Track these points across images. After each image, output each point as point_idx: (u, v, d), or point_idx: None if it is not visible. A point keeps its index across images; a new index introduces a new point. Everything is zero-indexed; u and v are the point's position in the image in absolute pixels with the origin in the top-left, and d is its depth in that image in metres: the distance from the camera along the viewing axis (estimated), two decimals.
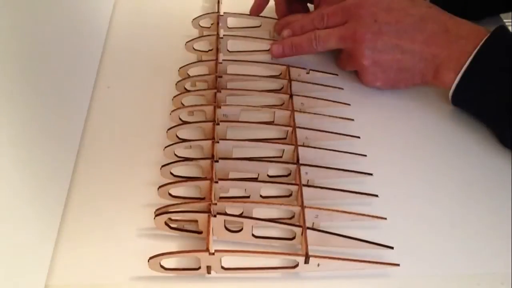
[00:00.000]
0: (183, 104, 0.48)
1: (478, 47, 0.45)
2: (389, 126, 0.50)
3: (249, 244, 0.40)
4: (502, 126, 0.47)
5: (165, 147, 0.44)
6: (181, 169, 0.43)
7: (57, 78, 0.46)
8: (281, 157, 0.45)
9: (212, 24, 0.56)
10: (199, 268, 0.37)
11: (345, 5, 0.51)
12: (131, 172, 0.45)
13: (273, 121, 0.47)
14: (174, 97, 0.48)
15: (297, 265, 0.38)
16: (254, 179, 0.43)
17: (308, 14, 0.55)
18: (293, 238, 0.40)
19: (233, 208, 0.40)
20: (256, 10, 0.57)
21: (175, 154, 0.44)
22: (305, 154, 0.44)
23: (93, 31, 0.56)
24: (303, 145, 0.44)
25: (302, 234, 0.38)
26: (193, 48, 0.53)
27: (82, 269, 0.39)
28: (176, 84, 0.50)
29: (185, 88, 0.50)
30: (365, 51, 0.49)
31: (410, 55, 0.49)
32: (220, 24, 0.54)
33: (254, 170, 0.43)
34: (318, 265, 0.37)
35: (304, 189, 0.41)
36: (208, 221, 0.38)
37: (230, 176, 0.43)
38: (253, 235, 0.40)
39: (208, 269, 0.37)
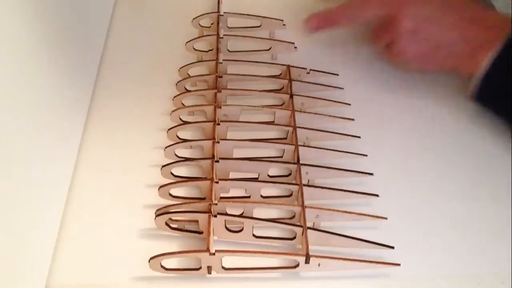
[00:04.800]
0: (183, 104, 0.48)
1: (505, 40, 0.44)
2: (390, 126, 0.50)
3: (249, 244, 0.40)
4: None
5: (166, 147, 0.44)
6: (181, 169, 0.43)
7: (58, 78, 0.46)
8: (281, 157, 0.45)
9: (212, 24, 0.56)
10: (200, 268, 0.37)
11: None
12: (131, 172, 0.45)
13: (273, 121, 0.47)
14: (175, 97, 0.48)
15: (297, 265, 0.38)
16: (255, 179, 0.43)
17: (338, 6, 0.52)
18: (294, 238, 0.40)
19: (233, 208, 0.40)
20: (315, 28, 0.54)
21: (176, 154, 0.44)
22: (305, 154, 0.44)
23: (93, 31, 0.56)
24: (303, 145, 0.44)
25: (302, 234, 0.38)
26: (193, 48, 0.53)
27: (82, 269, 0.39)
28: (176, 84, 0.50)
29: (185, 88, 0.50)
30: (407, 16, 0.48)
31: (452, 32, 0.47)
32: (220, 24, 0.54)
33: (255, 170, 0.43)
34: (319, 265, 0.37)
35: (305, 189, 0.41)
36: (209, 221, 0.38)
37: (231, 176, 0.43)
38: (253, 235, 0.40)
39: (209, 269, 0.37)
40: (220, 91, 0.47)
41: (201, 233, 0.40)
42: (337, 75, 0.52)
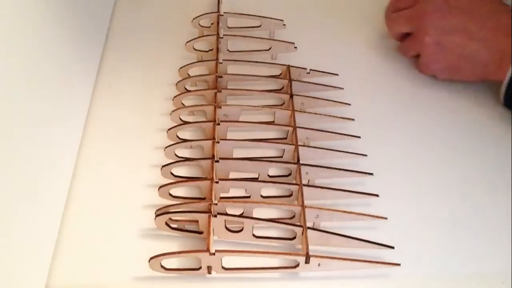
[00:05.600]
0: (183, 104, 0.48)
1: None
2: (390, 126, 0.50)
3: (249, 244, 0.40)
4: None
5: (166, 147, 0.44)
6: (181, 169, 0.43)
7: (58, 78, 0.46)
8: (281, 157, 0.45)
9: (212, 24, 0.56)
10: (200, 268, 0.37)
11: None
12: (131, 172, 0.45)
13: (273, 121, 0.47)
14: (175, 97, 0.48)
15: (297, 265, 0.38)
16: (255, 179, 0.43)
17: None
18: (294, 238, 0.40)
19: (233, 208, 0.40)
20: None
21: (176, 154, 0.44)
22: (305, 154, 0.44)
23: (94, 31, 0.56)
24: (303, 145, 0.44)
25: (302, 234, 0.38)
26: (193, 48, 0.53)
27: (82, 269, 0.39)
28: (176, 84, 0.50)
29: (185, 88, 0.50)
30: (430, 29, 0.49)
31: (477, 42, 0.48)
32: (220, 24, 0.54)
33: (255, 170, 0.43)
34: (319, 265, 0.37)
35: (305, 189, 0.41)
36: (209, 221, 0.38)
37: (231, 176, 0.43)
38: (253, 235, 0.40)
39: (209, 269, 0.37)
40: (220, 91, 0.47)
41: (201, 233, 0.40)
42: (337, 75, 0.52)
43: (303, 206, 0.40)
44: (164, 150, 0.44)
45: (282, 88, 0.51)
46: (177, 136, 0.45)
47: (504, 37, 0.47)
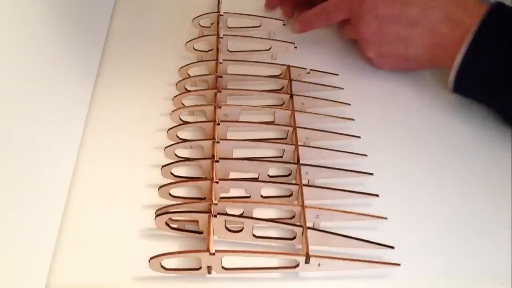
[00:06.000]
0: (183, 104, 0.48)
1: (476, 27, 0.45)
2: (390, 126, 0.50)
3: (249, 244, 0.40)
4: (506, 103, 0.46)
5: (166, 147, 0.44)
6: (181, 169, 0.43)
7: (58, 78, 0.46)
8: (281, 157, 0.45)
9: (212, 24, 0.56)
10: (200, 268, 0.37)
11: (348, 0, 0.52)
12: (131, 172, 0.45)
13: (273, 121, 0.47)
14: (175, 97, 0.48)
15: (297, 265, 0.38)
16: (255, 179, 0.43)
17: (314, 9, 0.55)
18: (294, 238, 0.40)
19: (233, 208, 0.40)
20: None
21: (176, 154, 0.44)
22: (305, 154, 0.44)
23: (93, 31, 0.56)
24: (303, 145, 0.44)
25: (302, 234, 0.38)
26: (193, 48, 0.53)
27: (82, 269, 0.39)
28: (176, 84, 0.50)
29: (185, 88, 0.50)
30: (370, 47, 0.52)
31: (413, 45, 0.49)
32: (220, 24, 0.54)
33: (255, 170, 0.43)
34: (319, 265, 0.37)
35: (305, 189, 0.41)
36: (209, 221, 0.38)
37: (231, 176, 0.43)
38: (253, 235, 0.40)
39: (209, 269, 0.37)
40: (220, 91, 0.47)
41: (201, 233, 0.40)
42: (337, 75, 0.52)
43: (303, 206, 0.40)
44: (164, 150, 0.44)
45: (282, 88, 0.51)
46: (177, 136, 0.45)
47: (438, 35, 0.48)
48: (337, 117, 0.48)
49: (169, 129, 0.45)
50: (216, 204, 0.39)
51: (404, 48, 0.50)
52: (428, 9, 0.48)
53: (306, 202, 0.40)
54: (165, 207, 0.39)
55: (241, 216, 0.39)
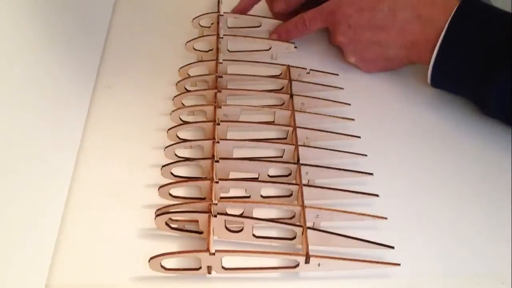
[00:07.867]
0: (183, 104, 0.48)
1: (448, 22, 0.46)
2: (390, 126, 0.50)
3: (249, 244, 0.40)
4: (481, 94, 0.47)
5: (166, 147, 0.44)
6: (181, 169, 0.43)
7: (58, 78, 0.46)
8: (281, 157, 0.45)
9: (212, 24, 0.56)
10: (200, 268, 0.37)
11: (323, 10, 0.53)
12: (131, 172, 0.45)
13: (273, 121, 0.47)
14: (175, 97, 0.48)
15: (297, 265, 0.38)
16: (255, 179, 0.43)
17: (292, 20, 0.55)
18: (294, 238, 0.40)
19: (233, 208, 0.40)
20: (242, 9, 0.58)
21: (176, 154, 0.44)
22: (305, 154, 0.44)
23: (93, 31, 0.56)
24: (303, 145, 0.44)
25: (302, 234, 0.38)
26: (193, 48, 0.53)
27: (82, 269, 0.39)
28: (176, 84, 0.50)
29: (185, 88, 0.50)
30: (350, 55, 0.53)
31: (389, 47, 0.51)
32: (220, 24, 0.54)
33: (255, 170, 0.43)
34: (319, 265, 0.37)
35: (305, 189, 0.41)
36: (209, 221, 0.38)
37: (231, 176, 0.43)
38: (253, 235, 0.40)
39: (209, 269, 0.37)
40: (220, 91, 0.47)
41: (201, 233, 0.40)
42: (337, 75, 0.52)
43: (303, 206, 0.40)
44: (164, 150, 0.44)
45: (282, 88, 0.51)
46: (177, 136, 0.45)
47: (409, 34, 0.49)
48: (337, 117, 0.48)
49: (169, 129, 0.45)
50: (216, 204, 0.39)
51: (382, 51, 0.51)
52: (397, 10, 0.49)
53: (306, 202, 0.40)
54: (165, 207, 0.39)
55: (241, 216, 0.39)
